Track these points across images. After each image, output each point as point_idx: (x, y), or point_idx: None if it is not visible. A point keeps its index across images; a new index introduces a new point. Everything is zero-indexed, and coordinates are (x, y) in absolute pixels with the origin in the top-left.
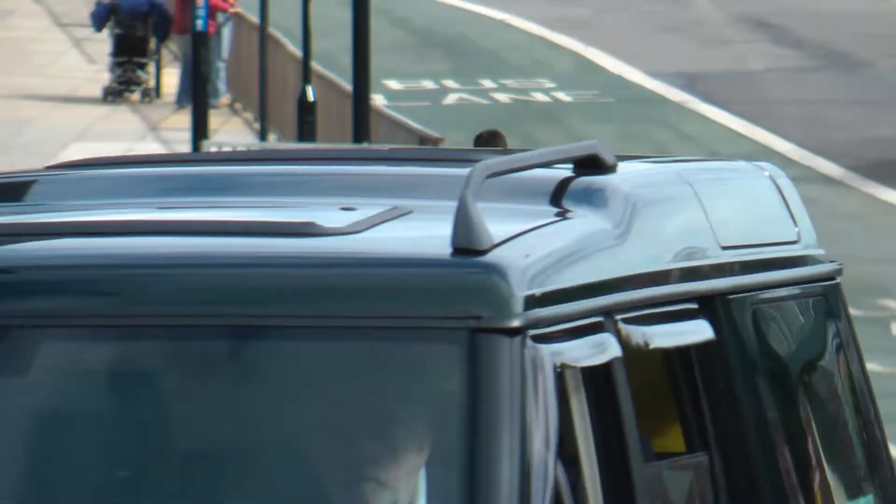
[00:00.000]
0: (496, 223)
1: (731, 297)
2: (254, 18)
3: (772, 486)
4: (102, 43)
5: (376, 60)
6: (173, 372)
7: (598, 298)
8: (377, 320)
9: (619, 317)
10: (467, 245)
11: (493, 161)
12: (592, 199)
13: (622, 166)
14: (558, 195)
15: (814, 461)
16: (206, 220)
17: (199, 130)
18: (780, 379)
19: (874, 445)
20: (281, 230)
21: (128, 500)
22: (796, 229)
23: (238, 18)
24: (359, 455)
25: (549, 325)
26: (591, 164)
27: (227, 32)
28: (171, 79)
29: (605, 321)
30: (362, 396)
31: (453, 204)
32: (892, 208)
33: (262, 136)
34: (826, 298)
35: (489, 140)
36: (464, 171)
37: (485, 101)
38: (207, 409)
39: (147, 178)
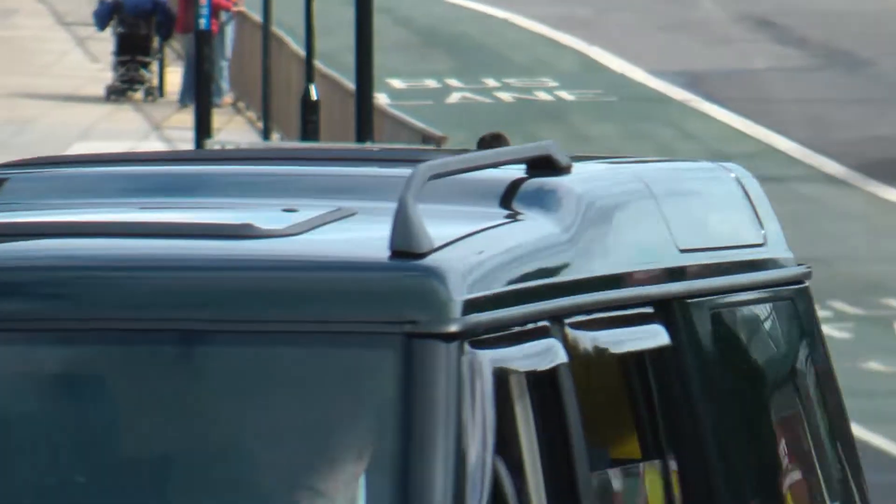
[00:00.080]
0: (440, 225)
1: (688, 301)
2: (257, 17)
3: (731, 493)
4: (106, 42)
5: (379, 59)
6: (103, 375)
7: (544, 303)
8: (311, 325)
9: (566, 321)
10: (405, 248)
11: (437, 162)
12: (543, 201)
13: (577, 167)
14: (508, 197)
15: (776, 468)
16: (141, 223)
17: (203, 129)
18: (742, 384)
19: (844, 451)
20: (218, 232)
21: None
22: (762, 232)
23: (241, 17)
24: (293, 462)
25: (489, 331)
26: (544, 165)
27: (230, 31)
28: (175, 77)
29: (551, 326)
30: (296, 402)
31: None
32: (894, 207)
33: (266, 135)
34: (793, 302)
35: (491, 143)
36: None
37: (488, 100)
38: (135, 413)
39: (88, 178)
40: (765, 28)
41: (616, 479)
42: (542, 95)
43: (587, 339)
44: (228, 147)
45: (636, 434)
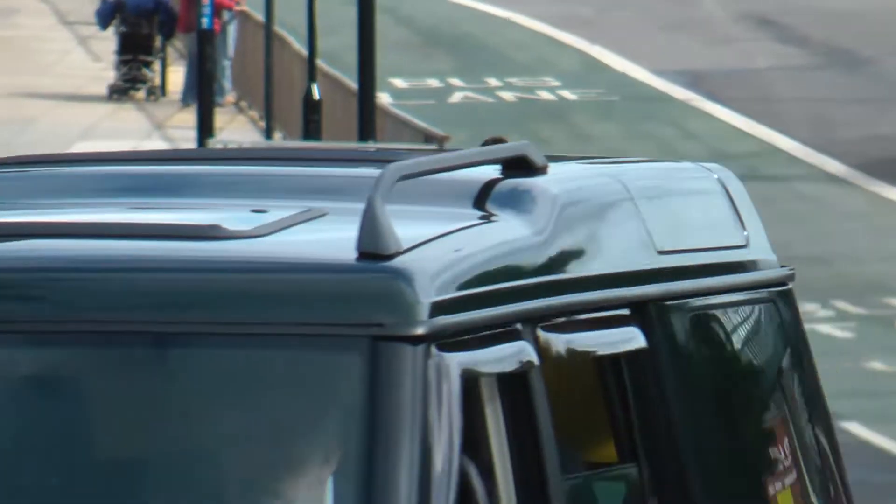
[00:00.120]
0: (410, 227)
1: (666, 303)
2: (259, 16)
3: (708, 497)
4: (108, 41)
5: (382, 59)
6: (65, 376)
7: (515, 305)
8: (276, 327)
9: (538, 324)
10: (373, 250)
11: (408, 163)
12: (517, 201)
13: (553, 168)
14: (482, 198)
15: (758, 472)
16: (107, 223)
17: (205, 129)
18: (722, 387)
19: (828, 455)
20: (184, 233)
21: None
22: (745, 233)
23: (243, 16)
24: (258, 465)
25: (458, 333)
26: (519, 166)
27: (232, 30)
28: (177, 77)
29: (522, 329)
30: (261, 406)
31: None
32: None
33: (268, 134)
34: (776, 304)
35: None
36: None
37: (490, 100)
38: (97, 416)
39: (58, 178)
40: (766, 27)
41: (588, 484)
42: (545, 95)
43: (560, 342)
44: (230, 146)
45: (612, 438)
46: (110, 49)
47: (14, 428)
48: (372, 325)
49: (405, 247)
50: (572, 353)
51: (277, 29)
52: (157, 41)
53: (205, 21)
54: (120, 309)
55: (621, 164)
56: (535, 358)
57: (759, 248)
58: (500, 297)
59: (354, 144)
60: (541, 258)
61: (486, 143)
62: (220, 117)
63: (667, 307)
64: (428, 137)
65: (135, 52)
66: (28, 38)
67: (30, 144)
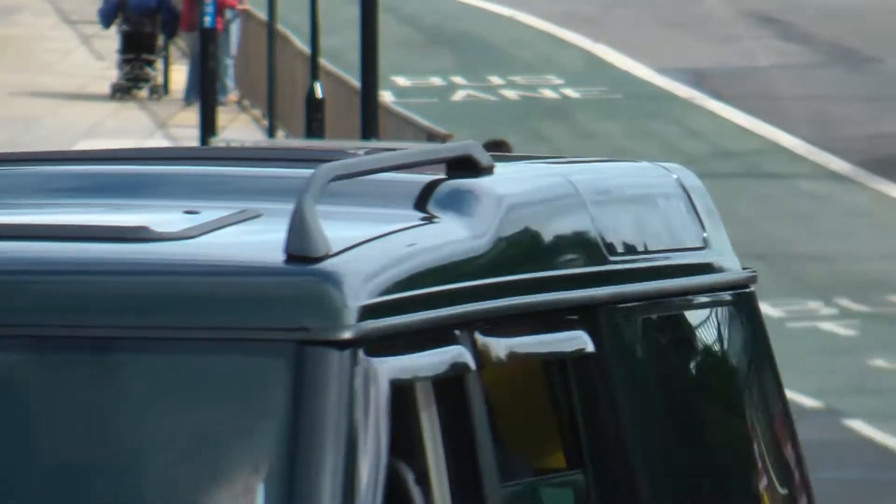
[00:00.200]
0: (345, 228)
1: (616, 307)
2: (262, 15)
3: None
4: (110, 40)
5: (384, 57)
6: None
7: (450, 308)
8: (200, 331)
9: (477, 328)
10: (300, 252)
11: (341, 163)
12: (459, 203)
13: (501, 168)
14: (424, 199)
15: (716, 479)
16: (33, 225)
17: (208, 127)
18: (676, 392)
19: (791, 459)
20: (112, 235)
21: None
22: (704, 235)
23: (246, 15)
24: (180, 470)
25: (388, 337)
26: (464, 166)
27: (235, 29)
28: (180, 76)
29: (458, 333)
30: (183, 411)
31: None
32: None
33: (271, 132)
34: (737, 307)
35: (492, 149)
36: None
37: (493, 98)
38: (13, 420)
39: None
40: (769, 25)
41: (529, 491)
42: (547, 93)
43: (501, 346)
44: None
45: (560, 444)
46: (113, 48)
47: None
48: (297, 330)
49: (336, 249)
50: (514, 358)
51: (280, 27)
52: (160, 40)
53: (207, 20)
54: (41, 311)
55: (574, 164)
56: (471, 362)
57: (720, 250)
58: (435, 301)
59: (299, 143)
60: (481, 260)
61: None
62: (223, 116)
63: (617, 311)
64: (431, 136)
65: (137, 51)
66: (30, 37)
67: (32, 143)
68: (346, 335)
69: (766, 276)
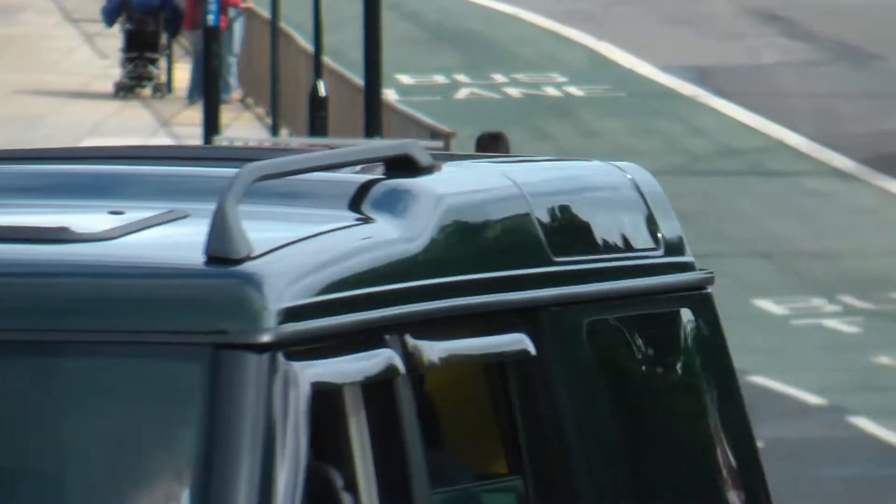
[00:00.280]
0: (271, 230)
1: (559, 309)
2: (265, 13)
3: None
4: (114, 38)
5: (387, 55)
6: None
7: (379, 311)
8: (116, 335)
9: (407, 331)
10: (221, 254)
11: (267, 163)
12: (395, 203)
13: (441, 167)
14: (359, 199)
15: (664, 485)
16: None
17: (211, 125)
18: (624, 397)
19: (745, 464)
20: (31, 236)
21: None
22: (658, 235)
23: (249, 13)
24: (93, 476)
25: (311, 341)
26: (403, 166)
27: (238, 27)
28: (183, 74)
29: (387, 336)
30: (99, 416)
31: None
32: None
33: (274, 130)
34: (692, 309)
35: (489, 142)
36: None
37: (496, 96)
38: None
39: None
40: (773, 22)
41: (469, 496)
42: (551, 91)
43: (434, 349)
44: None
45: (499, 449)
46: (116, 46)
47: None
48: (215, 333)
49: (259, 251)
50: (450, 361)
51: (283, 25)
52: (163, 38)
53: (211, 18)
54: None
55: (520, 163)
56: (400, 366)
57: (674, 251)
58: (363, 304)
59: (237, 143)
60: (414, 262)
61: (481, 138)
62: (227, 114)
63: (561, 313)
64: (434, 134)
65: (141, 50)
66: (34, 36)
67: (36, 142)
68: (265, 338)
69: (770, 274)
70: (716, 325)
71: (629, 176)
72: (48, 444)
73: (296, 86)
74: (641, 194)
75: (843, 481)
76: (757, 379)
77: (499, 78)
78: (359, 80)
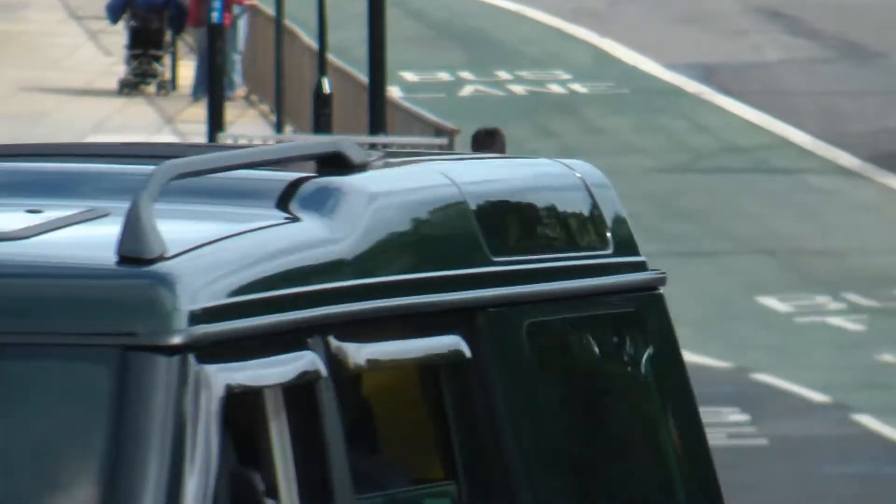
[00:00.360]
0: (190, 229)
1: (498, 310)
2: (269, 10)
3: None
4: (118, 35)
5: (392, 52)
6: None
7: (300, 312)
8: (24, 336)
9: (331, 333)
10: (133, 253)
11: (185, 161)
12: (323, 201)
13: (376, 165)
14: (287, 197)
15: (611, 488)
16: None
17: (215, 123)
18: (571, 400)
19: (696, 466)
20: None
21: None
22: (608, 235)
23: (254, 10)
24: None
25: (225, 343)
26: (335, 163)
27: (242, 24)
28: (187, 71)
29: (308, 337)
30: (6, 418)
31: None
32: None
33: (278, 128)
34: (642, 310)
35: (485, 139)
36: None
37: (500, 93)
38: None
39: None
40: (777, 20)
41: (400, 501)
42: (555, 88)
43: (361, 352)
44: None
45: (437, 454)
46: (120, 43)
47: None
48: (124, 335)
49: (174, 250)
50: (378, 364)
51: (288, 23)
52: (168, 36)
53: (215, 15)
54: None
55: (463, 162)
56: (322, 368)
57: (624, 251)
58: (282, 304)
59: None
60: (340, 262)
61: (477, 135)
62: (231, 111)
63: (498, 315)
64: (438, 131)
65: (145, 47)
66: (38, 33)
67: (40, 139)
68: (176, 340)
69: (774, 271)
70: (667, 325)
71: (578, 175)
72: None
73: (300, 83)
74: (591, 193)
75: (846, 479)
76: (761, 376)
77: (503, 75)
78: (363, 78)
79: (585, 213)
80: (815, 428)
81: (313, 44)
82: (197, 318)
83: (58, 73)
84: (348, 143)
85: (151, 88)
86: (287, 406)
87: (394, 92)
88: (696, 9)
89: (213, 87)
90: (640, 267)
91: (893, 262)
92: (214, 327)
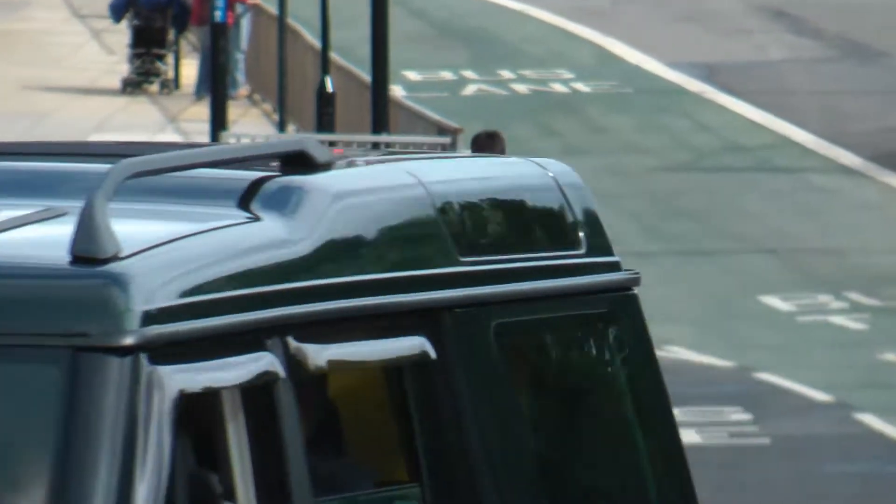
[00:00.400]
0: (146, 229)
1: (464, 311)
2: (272, 9)
3: None
4: (121, 34)
5: (395, 51)
6: None
7: (257, 313)
8: None
9: (290, 333)
10: (86, 253)
11: (141, 159)
12: (284, 201)
13: (341, 164)
14: (248, 197)
15: (580, 492)
16: None
17: (218, 122)
18: (539, 402)
19: (671, 466)
20: None
21: None
22: (580, 235)
23: (257, 9)
24: None
25: (181, 344)
26: (298, 162)
27: (245, 23)
28: (190, 70)
29: (266, 338)
30: None
31: (111, 206)
32: None
33: (281, 127)
34: (614, 311)
35: (486, 142)
36: None
37: (503, 92)
38: None
39: None
40: (780, 19)
41: (368, 503)
42: (558, 87)
43: (322, 353)
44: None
45: (401, 456)
46: (124, 42)
47: None
48: (76, 335)
49: (128, 250)
50: (339, 365)
51: (291, 22)
52: (171, 34)
53: (218, 14)
54: None
55: (431, 161)
56: (280, 370)
57: (597, 251)
58: (240, 305)
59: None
60: (301, 262)
61: (477, 138)
62: (234, 110)
63: (465, 315)
64: (441, 130)
65: (148, 46)
66: (41, 32)
67: (44, 138)
68: (128, 341)
69: (776, 270)
70: (641, 325)
71: (551, 174)
72: None
73: (303, 82)
74: (563, 193)
75: (848, 478)
76: (763, 375)
77: (506, 74)
78: (366, 77)
79: (557, 212)
80: (817, 427)
81: (316, 43)
82: (150, 318)
83: (61, 72)
84: (312, 142)
85: (154, 87)
86: (245, 407)
87: (397, 91)
88: (698, 8)
89: (216, 86)
90: (614, 267)
91: (895, 262)
92: (168, 328)
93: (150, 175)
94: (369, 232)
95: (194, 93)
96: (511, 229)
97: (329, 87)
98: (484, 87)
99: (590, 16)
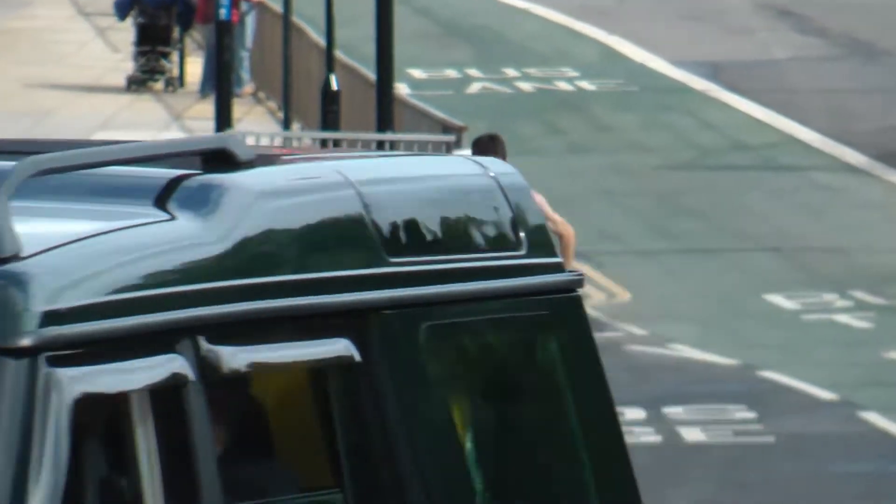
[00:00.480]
0: (52, 228)
1: (392, 312)
2: (277, 7)
3: None
4: (126, 32)
5: (400, 49)
6: None
7: (166, 314)
8: None
9: (202, 335)
10: None
11: (48, 157)
12: (202, 200)
13: (264, 162)
14: (166, 195)
15: (516, 497)
16: None
17: (223, 120)
18: (473, 406)
19: (614, 469)
20: None
21: None
22: (521, 235)
23: (262, 7)
24: None
25: (83, 345)
26: (220, 160)
27: (250, 21)
28: (195, 68)
29: (176, 340)
30: None
31: (19, 205)
32: None
33: (286, 125)
34: (555, 312)
35: (488, 143)
36: None
37: (508, 90)
38: None
39: None
40: (785, 18)
41: None
42: (563, 85)
43: (237, 356)
44: (249, 138)
45: (323, 461)
46: (128, 40)
47: None
48: None
49: (30, 250)
50: (256, 367)
51: (296, 20)
52: (176, 32)
53: (223, 12)
54: None
55: (362, 160)
56: (190, 373)
57: (538, 251)
58: (146, 306)
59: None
60: (214, 262)
61: (479, 140)
62: (239, 108)
63: (393, 317)
64: (446, 128)
65: (153, 44)
66: (45, 30)
67: (48, 136)
68: (25, 342)
69: (781, 269)
70: (584, 327)
71: (492, 174)
72: None
73: (308, 80)
74: (504, 193)
75: (853, 476)
76: (768, 374)
77: (511, 72)
78: (371, 75)
79: (496, 212)
80: (822, 425)
81: (321, 41)
82: (50, 319)
83: (65, 70)
84: (235, 139)
85: (159, 85)
86: (154, 411)
87: (401, 89)
88: (703, 6)
89: (220, 83)
90: (556, 268)
91: None
92: (70, 329)
93: (58, 172)
94: (292, 232)
95: (199, 91)
96: (445, 230)
97: (334, 85)
98: (489, 85)
99: (595, 14)
